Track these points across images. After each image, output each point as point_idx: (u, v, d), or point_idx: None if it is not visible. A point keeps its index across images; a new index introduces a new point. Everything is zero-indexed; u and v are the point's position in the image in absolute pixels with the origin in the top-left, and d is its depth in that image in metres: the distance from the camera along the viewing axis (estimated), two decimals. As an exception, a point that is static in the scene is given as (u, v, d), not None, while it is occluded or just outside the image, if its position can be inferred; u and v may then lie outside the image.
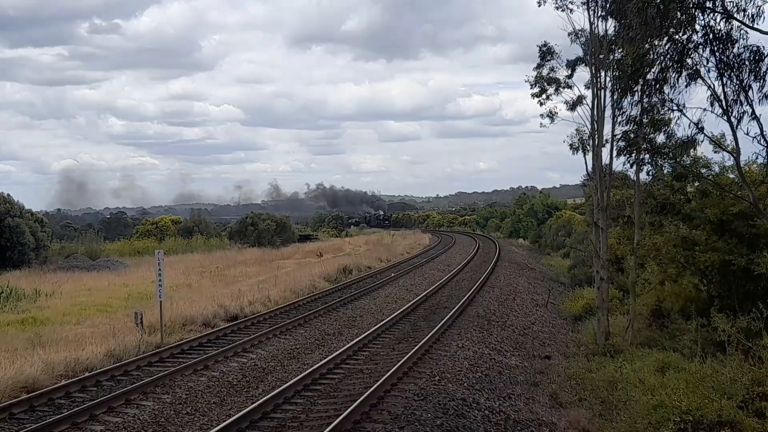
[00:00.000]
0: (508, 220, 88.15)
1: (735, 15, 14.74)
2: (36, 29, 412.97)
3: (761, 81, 14.90)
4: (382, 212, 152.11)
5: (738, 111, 15.36)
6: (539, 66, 21.46)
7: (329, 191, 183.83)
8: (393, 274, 35.99)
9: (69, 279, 34.42)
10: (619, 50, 18.32)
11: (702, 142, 17.01)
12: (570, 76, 21.03)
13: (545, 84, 21.40)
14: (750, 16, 14.42)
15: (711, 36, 15.17)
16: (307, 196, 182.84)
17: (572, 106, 20.80)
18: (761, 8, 14.31)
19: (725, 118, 15.69)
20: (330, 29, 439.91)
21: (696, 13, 15.32)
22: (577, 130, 21.03)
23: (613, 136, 19.58)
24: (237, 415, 11.80)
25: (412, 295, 27.35)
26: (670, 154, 18.23)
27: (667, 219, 20.69)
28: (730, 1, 14.82)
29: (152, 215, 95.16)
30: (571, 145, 21.19)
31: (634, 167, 20.05)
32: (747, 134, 15.37)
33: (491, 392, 14.41)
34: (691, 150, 17.44)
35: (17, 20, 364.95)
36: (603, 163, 20.44)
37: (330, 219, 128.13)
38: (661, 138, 18.38)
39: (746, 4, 14.42)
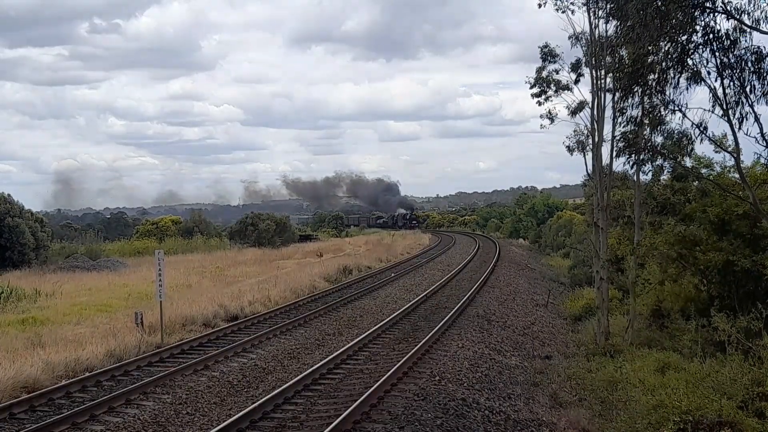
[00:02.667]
0: (508, 220, 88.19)
1: (735, 15, 14.75)
2: (36, 29, 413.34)
3: (762, 82, 14.89)
4: (409, 211, 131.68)
5: (738, 112, 15.36)
6: (541, 68, 21.50)
7: (297, 184, 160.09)
8: (393, 275, 36.00)
9: (69, 279, 34.41)
10: (620, 51, 18.33)
11: (701, 140, 17.00)
12: (577, 81, 21.06)
13: (545, 85, 21.43)
14: (755, 20, 14.41)
15: (711, 36, 15.16)
16: (286, 191, 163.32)
17: (573, 111, 20.82)
18: (765, 10, 14.30)
19: (726, 118, 15.70)
20: (330, 29, 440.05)
21: (696, 14, 15.32)
22: (575, 131, 21.08)
23: (614, 136, 19.60)
24: (237, 415, 11.80)
25: (412, 295, 27.35)
26: (670, 154, 18.24)
27: (667, 219, 20.71)
28: (730, 2, 14.83)
29: (152, 215, 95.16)
30: (568, 147, 21.25)
31: (634, 167, 20.09)
32: (747, 135, 15.38)
33: (491, 392, 14.41)
34: (688, 147, 17.41)
35: (17, 20, 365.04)
36: (603, 164, 20.48)
37: (330, 218, 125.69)
38: (660, 139, 18.41)
39: (751, 6, 14.41)
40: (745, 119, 15.32)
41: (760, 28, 14.49)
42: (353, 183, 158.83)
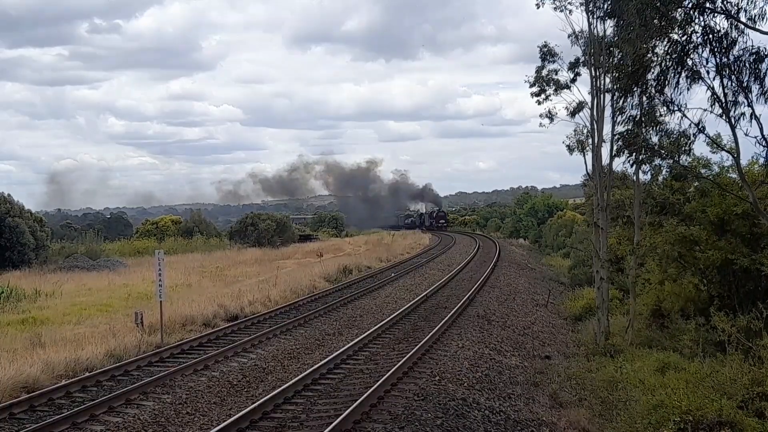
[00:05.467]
0: (508, 220, 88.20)
1: (732, 14, 14.77)
2: (36, 29, 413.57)
3: (759, 83, 14.92)
4: (436, 208, 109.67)
5: (737, 112, 15.39)
6: (540, 68, 21.49)
7: (269, 181, 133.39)
8: (393, 275, 35.99)
9: (69, 279, 34.44)
10: (619, 51, 18.33)
11: (699, 139, 17.01)
12: (573, 80, 21.04)
13: (544, 84, 21.42)
14: (752, 17, 14.44)
15: (711, 37, 15.18)
16: (254, 188, 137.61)
17: (573, 112, 20.81)
18: (764, 8, 14.33)
19: (725, 118, 15.72)
20: (330, 29, 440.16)
21: (695, 14, 15.34)
22: (575, 131, 21.08)
23: (613, 136, 19.60)
24: (237, 415, 11.80)
25: (412, 295, 27.35)
26: (668, 154, 18.25)
27: (666, 219, 20.72)
28: (729, 1, 14.85)
29: (152, 215, 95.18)
30: (568, 146, 21.24)
31: (634, 167, 20.10)
32: (747, 135, 15.40)
33: (491, 392, 14.41)
34: (686, 145, 17.40)
35: (17, 20, 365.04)
36: (603, 163, 20.47)
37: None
38: (656, 138, 18.43)
39: (748, 5, 14.44)
40: (742, 118, 15.36)
41: (757, 26, 14.51)
42: (327, 171, 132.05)
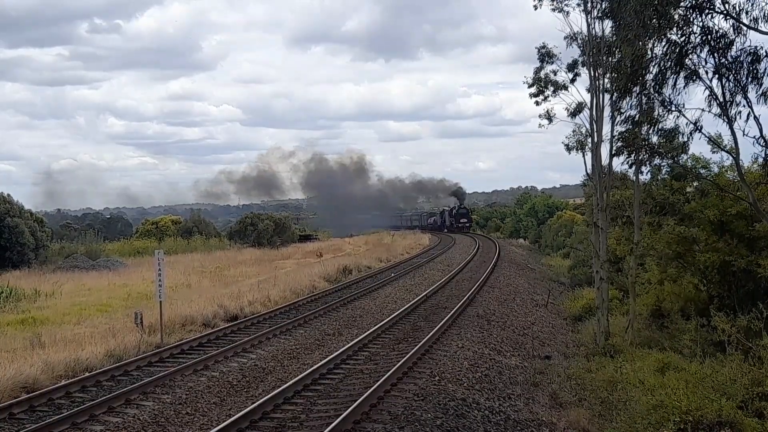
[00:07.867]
0: (508, 220, 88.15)
1: (733, 15, 14.78)
2: (36, 29, 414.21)
3: (757, 84, 14.96)
4: (456, 204, 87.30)
5: (734, 111, 15.42)
6: (539, 69, 21.50)
7: (246, 179, 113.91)
8: (393, 275, 35.97)
9: (69, 279, 34.42)
10: (617, 51, 18.34)
11: (696, 137, 17.02)
12: (573, 81, 21.04)
13: (543, 86, 21.42)
14: (753, 18, 14.46)
15: (709, 37, 15.20)
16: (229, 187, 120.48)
17: (572, 113, 20.81)
18: (764, 9, 14.34)
19: (724, 118, 15.73)
20: (330, 29, 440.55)
21: (694, 14, 15.35)
22: (574, 131, 21.10)
23: (612, 136, 19.61)
24: (237, 415, 11.80)
25: (412, 296, 27.34)
26: (667, 153, 18.27)
27: (666, 219, 20.75)
28: (728, 1, 14.87)
29: (152, 215, 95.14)
30: (567, 146, 21.25)
31: (633, 167, 20.11)
32: (745, 135, 15.42)
33: (491, 392, 14.42)
34: (680, 140, 17.40)
35: (17, 20, 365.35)
36: (602, 163, 20.48)
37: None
38: (656, 139, 18.46)
39: (751, 6, 14.46)
40: (739, 117, 15.39)
41: (759, 27, 14.52)
42: (308, 167, 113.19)
